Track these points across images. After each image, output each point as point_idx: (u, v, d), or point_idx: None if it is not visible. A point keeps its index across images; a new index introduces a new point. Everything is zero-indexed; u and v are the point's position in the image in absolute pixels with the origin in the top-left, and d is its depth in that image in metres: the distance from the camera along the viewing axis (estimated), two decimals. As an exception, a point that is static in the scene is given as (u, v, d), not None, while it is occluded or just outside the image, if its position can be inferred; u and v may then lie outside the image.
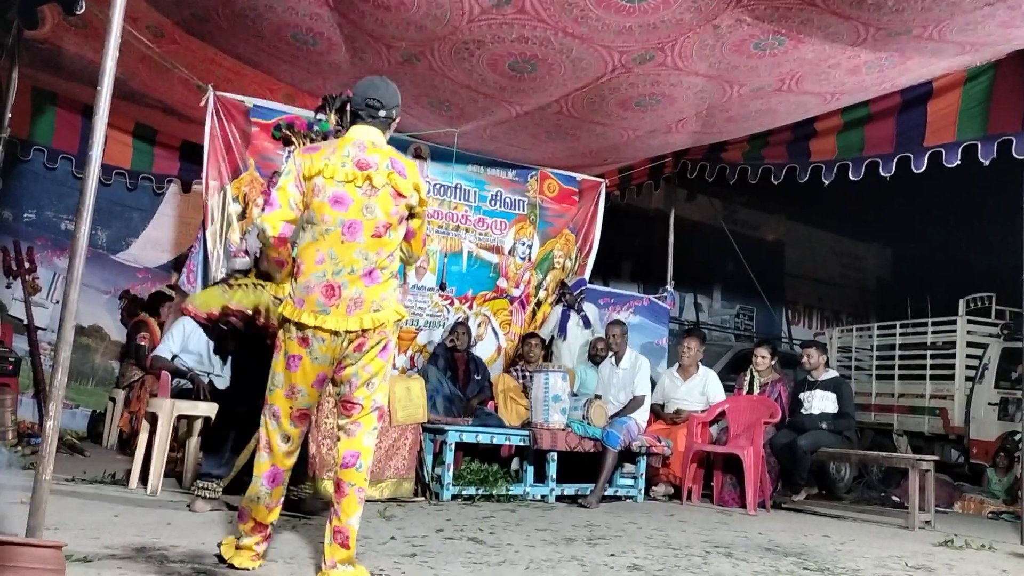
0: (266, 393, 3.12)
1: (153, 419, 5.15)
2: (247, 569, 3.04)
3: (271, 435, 3.10)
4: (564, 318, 7.59)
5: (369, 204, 3.08)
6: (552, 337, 7.66)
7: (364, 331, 3.03)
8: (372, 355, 3.08)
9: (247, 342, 4.46)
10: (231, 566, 3.04)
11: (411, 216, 3.23)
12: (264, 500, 3.08)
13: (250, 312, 4.38)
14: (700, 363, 7.41)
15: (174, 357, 5.51)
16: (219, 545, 3.15)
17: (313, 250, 3.07)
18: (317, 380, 3.08)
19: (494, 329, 7.72)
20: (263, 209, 3.27)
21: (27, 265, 8.23)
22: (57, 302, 8.60)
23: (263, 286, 4.40)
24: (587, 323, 7.61)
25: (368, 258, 3.07)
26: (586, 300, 7.78)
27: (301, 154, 3.18)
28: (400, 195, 3.12)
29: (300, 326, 3.02)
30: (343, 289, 3.03)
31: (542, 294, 7.99)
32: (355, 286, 3.04)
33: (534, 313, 8.00)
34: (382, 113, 3.23)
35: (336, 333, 3.01)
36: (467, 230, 7.73)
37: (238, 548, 3.08)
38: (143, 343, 7.60)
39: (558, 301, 7.83)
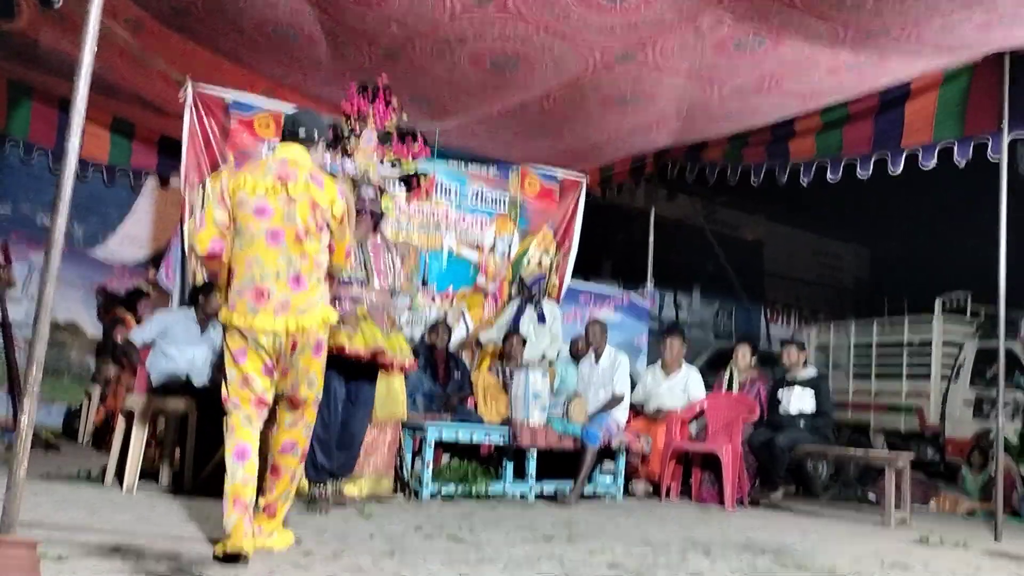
0: (223, 392, 3.39)
1: (129, 415, 5.11)
2: (244, 552, 3.09)
3: (235, 419, 3.34)
4: (518, 313, 7.52)
5: (289, 212, 3.37)
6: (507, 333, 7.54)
7: (294, 333, 3.33)
8: (308, 356, 3.41)
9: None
10: (228, 557, 3.07)
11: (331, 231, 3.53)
12: (238, 476, 3.24)
13: None
14: (683, 361, 7.43)
15: (145, 346, 5.55)
16: (214, 557, 3.13)
17: (243, 257, 3.37)
18: (265, 368, 3.35)
19: (466, 321, 7.69)
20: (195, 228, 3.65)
21: (1, 259, 8.12)
22: (32, 297, 8.51)
23: None
24: (542, 319, 7.53)
25: (292, 263, 3.36)
26: (546, 296, 7.70)
27: (227, 174, 3.63)
28: (316, 204, 3.41)
29: (236, 327, 3.32)
30: (271, 293, 3.32)
31: (513, 289, 7.93)
32: (282, 291, 3.33)
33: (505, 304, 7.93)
34: (302, 132, 3.58)
35: (266, 332, 3.30)
36: (448, 227, 7.71)
37: (228, 536, 3.13)
38: (122, 341, 7.54)
39: (516, 295, 7.74)
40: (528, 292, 7.55)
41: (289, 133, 3.62)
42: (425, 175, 5.16)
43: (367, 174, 4.89)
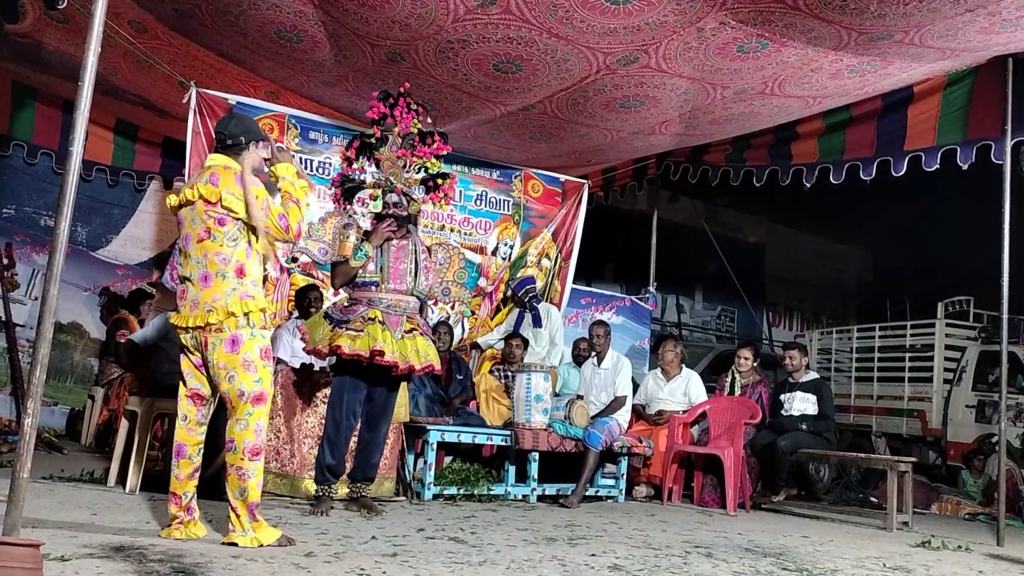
0: None
1: (132, 417, 5.11)
2: (176, 539, 3.51)
3: (178, 415, 3.70)
4: (519, 318, 7.54)
5: (192, 217, 3.58)
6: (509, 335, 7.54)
7: (203, 328, 3.51)
8: (220, 350, 3.52)
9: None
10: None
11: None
12: (174, 471, 3.64)
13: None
14: (683, 364, 7.44)
15: (147, 347, 5.63)
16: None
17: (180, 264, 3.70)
18: (194, 365, 3.66)
19: (463, 324, 7.70)
20: None
21: (5, 261, 8.15)
22: (36, 298, 8.54)
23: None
24: (537, 322, 7.54)
25: (200, 263, 3.55)
26: (537, 299, 7.68)
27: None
28: (209, 202, 3.52)
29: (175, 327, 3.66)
30: (188, 292, 3.59)
31: (508, 292, 7.92)
32: (194, 289, 3.56)
33: (499, 308, 7.93)
34: (229, 141, 3.70)
35: (186, 330, 3.57)
36: (452, 229, 7.72)
37: (168, 525, 3.61)
38: (123, 340, 7.55)
39: (509, 301, 7.76)
40: (515, 296, 7.55)
41: (217, 142, 3.76)
42: (446, 177, 5.13)
43: (389, 180, 4.90)
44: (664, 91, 6.10)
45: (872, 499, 8.20)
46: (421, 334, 4.86)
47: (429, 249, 5.14)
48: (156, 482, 5.27)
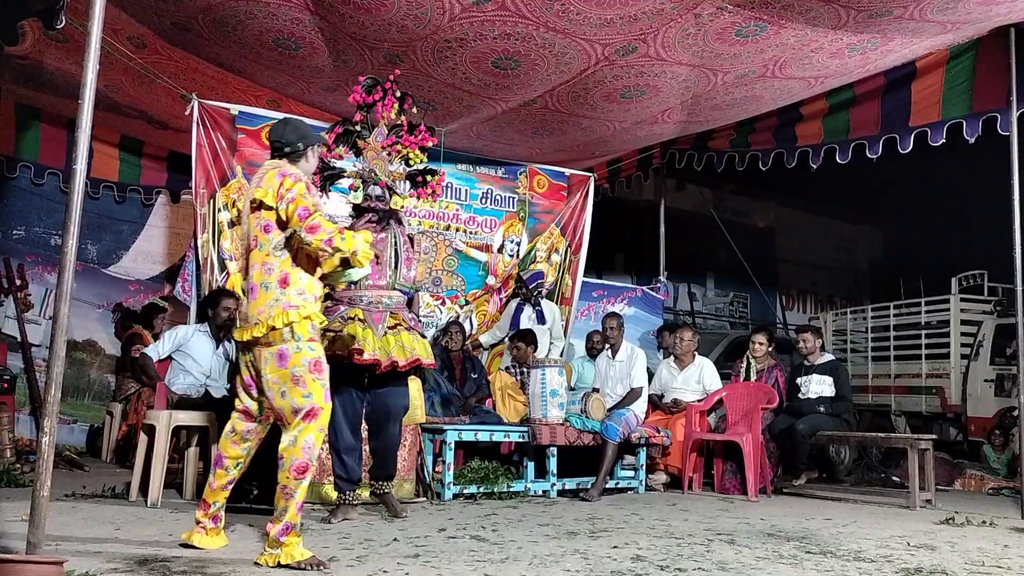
0: None
1: (151, 431, 5.14)
2: (199, 548, 3.52)
3: (226, 426, 3.67)
4: (517, 312, 7.48)
5: (244, 230, 3.56)
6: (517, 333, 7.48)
7: (251, 343, 3.45)
8: (272, 365, 3.41)
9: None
10: (183, 544, 3.53)
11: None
12: (209, 478, 3.64)
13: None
14: (696, 352, 7.41)
15: (161, 360, 5.72)
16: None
17: None
18: (247, 382, 3.59)
19: (471, 322, 7.68)
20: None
21: (18, 282, 8.19)
22: (50, 318, 8.56)
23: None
24: (541, 319, 7.44)
25: (248, 277, 3.50)
26: (542, 295, 7.62)
27: None
28: (256, 208, 3.46)
29: None
30: (241, 307, 3.57)
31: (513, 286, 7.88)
32: (245, 303, 3.52)
33: (507, 304, 7.89)
34: (287, 149, 3.63)
35: (242, 346, 3.54)
36: (458, 228, 7.71)
37: (191, 529, 3.60)
38: (137, 355, 7.59)
39: (514, 295, 7.66)
40: (526, 290, 7.50)
41: (274, 151, 3.67)
42: (434, 173, 5.00)
43: (373, 172, 4.77)
44: (665, 79, 6.09)
45: (894, 478, 8.16)
46: (407, 329, 4.69)
47: (411, 239, 4.98)
48: (178, 493, 5.32)
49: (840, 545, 4.14)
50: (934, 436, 6.96)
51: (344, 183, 5.05)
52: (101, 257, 9.24)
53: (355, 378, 4.67)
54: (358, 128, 4.84)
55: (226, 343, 5.73)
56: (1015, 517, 5.54)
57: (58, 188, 8.46)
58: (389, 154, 4.88)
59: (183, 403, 5.40)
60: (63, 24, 4.96)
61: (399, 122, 4.92)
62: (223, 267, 6.41)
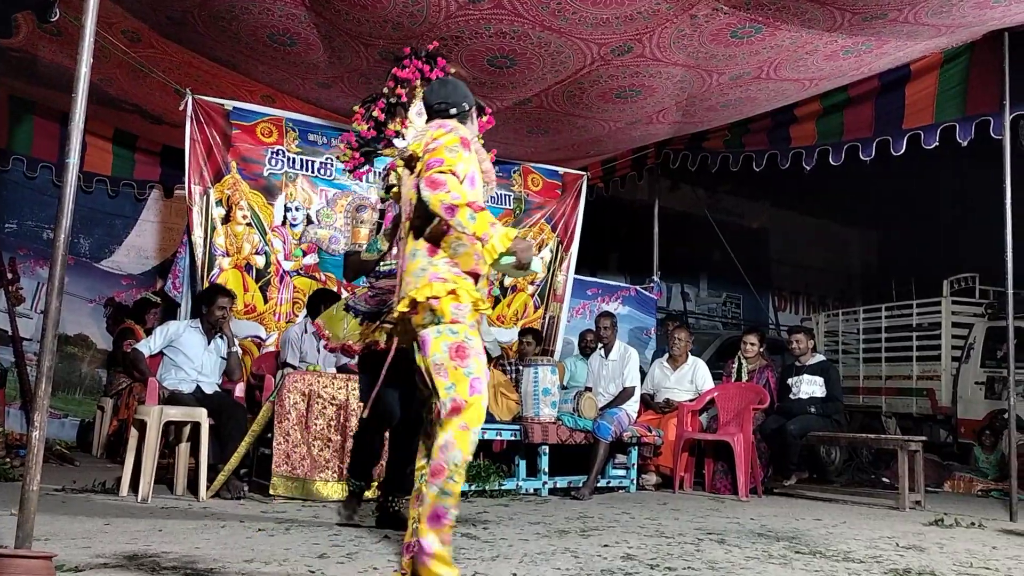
0: None
1: (142, 426, 5.13)
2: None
3: None
4: None
5: (403, 193, 3.18)
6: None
7: (402, 322, 3.06)
8: (419, 355, 2.98)
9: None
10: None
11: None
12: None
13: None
14: (689, 353, 7.43)
15: (153, 355, 5.64)
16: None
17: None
18: (421, 374, 3.05)
19: None
20: None
21: (10, 276, 8.18)
22: (41, 312, 8.56)
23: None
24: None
25: (404, 245, 3.10)
26: (536, 295, 7.54)
27: None
28: (411, 166, 3.10)
29: None
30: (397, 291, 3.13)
31: (508, 280, 7.86)
32: (399, 278, 3.10)
33: (498, 300, 7.87)
34: (453, 111, 3.23)
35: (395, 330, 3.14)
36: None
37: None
38: (129, 350, 7.57)
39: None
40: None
41: (434, 113, 3.26)
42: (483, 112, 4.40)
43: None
44: (660, 80, 6.09)
45: (884, 479, 8.18)
46: None
47: None
48: (169, 489, 5.32)
49: (829, 545, 4.15)
50: (924, 438, 6.99)
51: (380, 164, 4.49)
52: (93, 251, 9.21)
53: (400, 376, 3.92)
54: (399, 103, 4.43)
55: (218, 339, 5.72)
56: (1004, 519, 5.56)
57: (51, 182, 8.42)
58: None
59: (174, 399, 5.39)
60: (57, 17, 4.96)
61: None
62: (216, 263, 6.40)
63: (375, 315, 3.99)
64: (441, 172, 2.91)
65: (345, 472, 4.32)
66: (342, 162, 4.49)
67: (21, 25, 5.97)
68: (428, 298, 2.89)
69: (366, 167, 4.45)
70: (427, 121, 3.30)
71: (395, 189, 3.21)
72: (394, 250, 3.98)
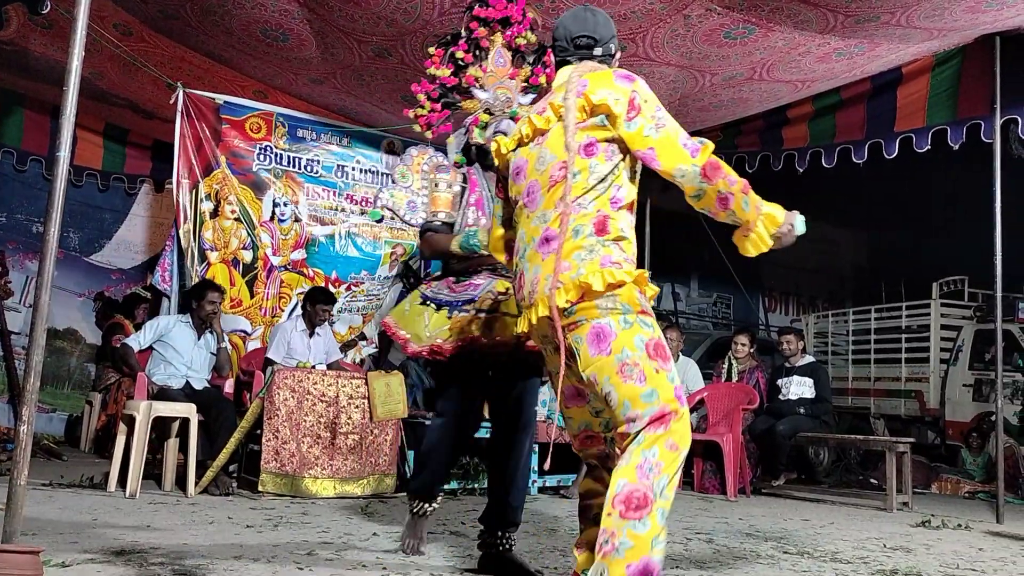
0: None
1: (130, 421, 5.11)
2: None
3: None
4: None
5: (541, 154, 2.42)
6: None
7: (544, 323, 2.31)
8: (585, 355, 2.24)
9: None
10: None
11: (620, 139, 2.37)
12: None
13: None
14: (680, 353, 7.45)
15: (142, 350, 5.67)
16: None
17: (513, 244, 2.51)
18: (566, 395, 2.45)
19: None
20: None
21: (-1, 269, 8.14)
22: (31, 306, 8.51)
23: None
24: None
25: (545, 219, 2.35)
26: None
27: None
28: (571, 120, 2.35)
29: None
30: (524, 274, 2.38)
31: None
32: (531, 267, 2.35)
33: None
34: (599, 50, 2.58)
35: (534, 335, 2.41)
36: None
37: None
38: (118, 345, 7.54)
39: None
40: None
41: (577, 47, 2.58)
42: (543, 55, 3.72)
43: (507, 103, 3.59)
44: (652, 80, 6.09)
45: (872, 480, 8.22)
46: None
47: None
48: (157, 485, 5.30)
49: (817, 546, 4.17)
50: (912, 439, 7.02)
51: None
52: (83, 245, 9.17)
53: (486, 375, 3.43)
54: (462, 56, 3.71)
55: (208, 334, 5.70)
56: (990, 521, 5.59)
57: (41, 175, 8.38)
58: (517, 83, 3.67)
59: (163, 394, 5.37)
60: (48, 9, 4.91)
61: (529, 39, 3.71)
62: (204, 258, 6.38)
63: (461, 305, 3.30)
64: (708, 152, 2.43)
65: (409, 492, 3.64)
66: (416, 117, 3.76)
67: (12, 17, 5.93)
68: (608, 284, 2.23)
69: (439, 125, 3.72)
70: (555, 61, 2.62)
71: (498, 151, 2.58)
72: (483, 220, 3.39)
